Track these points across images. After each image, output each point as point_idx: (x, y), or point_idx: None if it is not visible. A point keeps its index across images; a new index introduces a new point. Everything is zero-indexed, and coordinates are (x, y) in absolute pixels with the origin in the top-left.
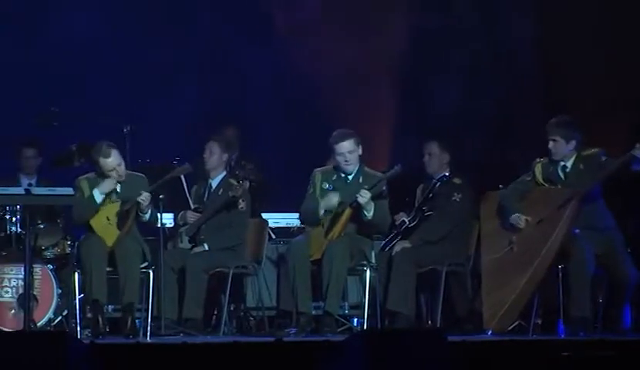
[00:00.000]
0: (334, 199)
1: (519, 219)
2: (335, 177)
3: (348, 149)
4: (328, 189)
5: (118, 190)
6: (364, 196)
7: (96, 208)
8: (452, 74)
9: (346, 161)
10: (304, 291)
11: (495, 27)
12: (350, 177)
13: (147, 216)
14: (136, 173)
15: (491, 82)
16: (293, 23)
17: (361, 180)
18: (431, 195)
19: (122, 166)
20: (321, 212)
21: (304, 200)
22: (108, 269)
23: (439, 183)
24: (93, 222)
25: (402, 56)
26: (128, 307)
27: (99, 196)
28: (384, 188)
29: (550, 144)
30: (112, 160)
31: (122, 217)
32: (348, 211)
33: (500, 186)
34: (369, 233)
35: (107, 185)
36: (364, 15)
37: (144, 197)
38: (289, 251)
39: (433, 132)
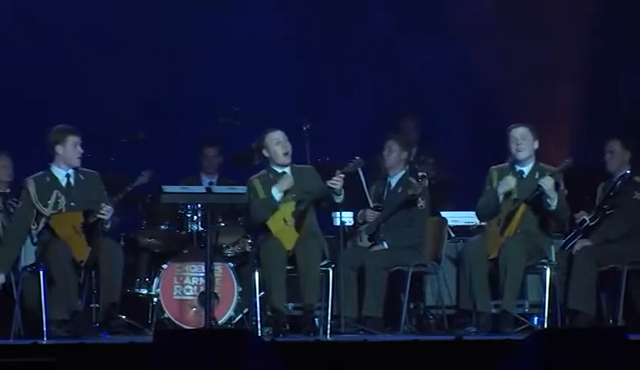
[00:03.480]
0: (511, 181)
1: None
2: (511, 174)
3: (520, 134)
4: None
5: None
6: (546, 183)
7: (275, 207)
8: (634, 72)
9: (517, 146)
10: (482, 291)
11: None
12: (526, 173)
13: (342, 197)
14: (304, 166)
15: None
16: (472, 22)
17: (537, 176)
18: (612, 193)
19: (288, 147)
20: (501, 198)
21: (482, 196)
22: (288, 267)
23: (620, 182)
24: (271, 224)
25: (584, 54)
26: (308, 308)
27: (277, 194)
28: (560, 181)
29: None
30: (279, 135)
31: (299, 217)
32: (523, 207)
33: None
34: (550, 228)
35: (285, 182)
36: (544, 13)
37: (335, 182)
38: (466, 251)
39: (615, 131)
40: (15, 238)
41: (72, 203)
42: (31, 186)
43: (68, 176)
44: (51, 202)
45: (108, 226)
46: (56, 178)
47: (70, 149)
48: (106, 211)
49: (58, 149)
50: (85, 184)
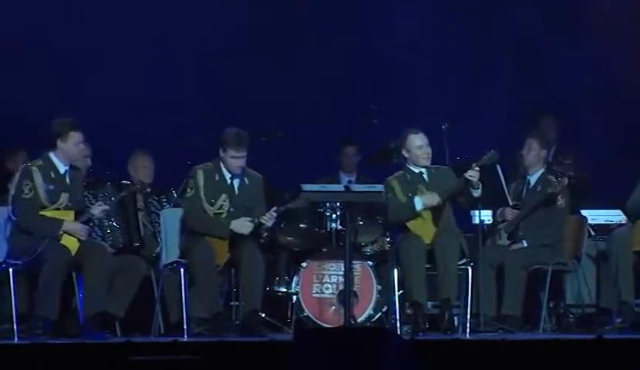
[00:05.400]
0: None
1: None
2: None
3: None
4: None
5: (427, 181)
6: None
7: (414, 215)
8: None
9: None
10: (626, 281)
11: None
12: None
13: (479, 191)
14: (440, 166)
15: None
16: (611, 20)
17: None
18: None
19: (429, 151)
20: None
21: (635, 193)
22: (427, 265)
23: None
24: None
25: None
26: (445, 304)
27: (419, 205)
28: None
29: None
30: (421, 140)
31: (436, 212)
32: None
33: None
34: None
35: (430, 199)
36: None
37: (472, 174)
38: (611, 242)
39: None
40: (206, 220)
41: (232, 210)
42: (200, 177)
43: (232, 177)
44: (217, 204)
45: (265, 233)
46: (224, 178)
47: (230, 160)
48: (270, 218)
49: (221, 152)
50: (249, 189)
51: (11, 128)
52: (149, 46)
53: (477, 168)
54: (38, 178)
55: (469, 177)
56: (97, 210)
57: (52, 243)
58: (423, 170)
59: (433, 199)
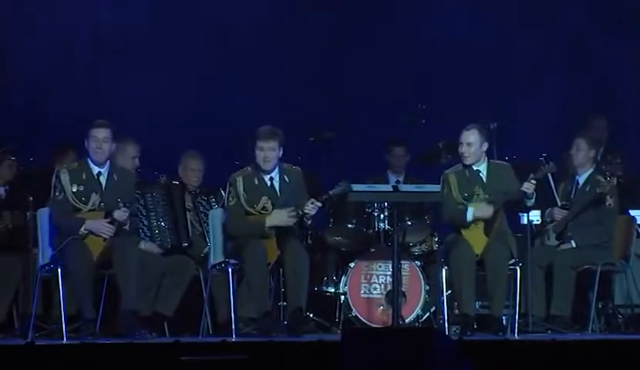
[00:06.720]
0: None
1: None
2: None
3: None
4: None
5: (484, 180)
6: None
7: (464, 224)
8: None
9: None
10: None
11: None
12: None
13: (533, 200)
14: (501, 162)
15: None
16: None
17: None
18: None
19: (471, 150)
20: None
21: None
22: (475, 267)
23: None
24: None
25: None
26: (496, 312)
27: (470, 216)
28: None
29: None
30: (464, 136)
31: (489, 221)
32: None
33: None
34: None
35: (483, 211)
36: None
37: (528, 187)
38: None
39: None
40: (244, 222)
41: (277, 210)
42: (239, 183)
43: (272, 179)
44: (258, 207)
45: (310, 222)
46: (264, 181)
47: (257, 152)
48: (313, 207)
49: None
50: (291, 187)
51: (65, 127)
52: (199, 46)
53: (534, 181)
54: (65, 180)
55: (526, 190)
56: (117, 213)
57: (71, 243)
58: (481, 168)
59: (486, 211)
